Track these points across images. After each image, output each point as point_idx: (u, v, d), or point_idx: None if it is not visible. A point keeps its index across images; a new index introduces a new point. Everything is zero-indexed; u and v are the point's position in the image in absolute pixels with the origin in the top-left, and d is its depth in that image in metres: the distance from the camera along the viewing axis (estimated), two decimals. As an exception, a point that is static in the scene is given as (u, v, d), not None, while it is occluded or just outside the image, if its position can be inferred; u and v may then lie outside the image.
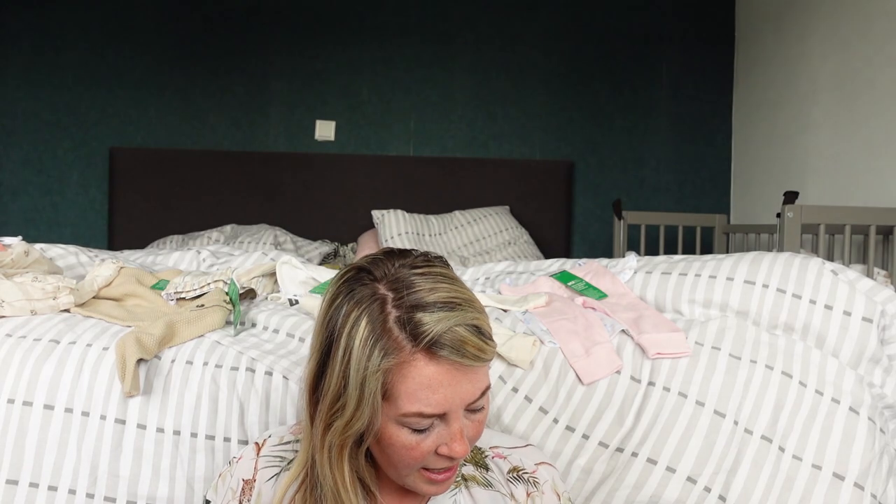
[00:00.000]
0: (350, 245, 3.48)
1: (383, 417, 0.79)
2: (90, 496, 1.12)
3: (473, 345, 0.77)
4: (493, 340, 0.81)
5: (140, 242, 3.37)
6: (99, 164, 3.57)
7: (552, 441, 1.15)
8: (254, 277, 1.47)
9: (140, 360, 1.14)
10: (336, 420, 0.79)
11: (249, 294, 1.46)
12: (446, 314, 0.77)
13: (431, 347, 0.76)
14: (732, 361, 1.19)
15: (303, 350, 1.24)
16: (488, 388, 0.82)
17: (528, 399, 1.17)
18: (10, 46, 3.52)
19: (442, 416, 0.79)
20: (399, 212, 3.39)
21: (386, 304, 0.77)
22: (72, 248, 1.63)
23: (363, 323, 0.77)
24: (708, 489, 1.11)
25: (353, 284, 0.80)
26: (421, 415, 0.77)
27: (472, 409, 0.81)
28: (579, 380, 1.18)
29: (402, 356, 0.76)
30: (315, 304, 1.33)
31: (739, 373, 1.18)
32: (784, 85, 3.32)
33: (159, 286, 1.45)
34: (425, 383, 0.77)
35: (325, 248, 3.33)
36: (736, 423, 1.14)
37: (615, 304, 1.36)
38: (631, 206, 3.71)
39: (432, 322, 0.76)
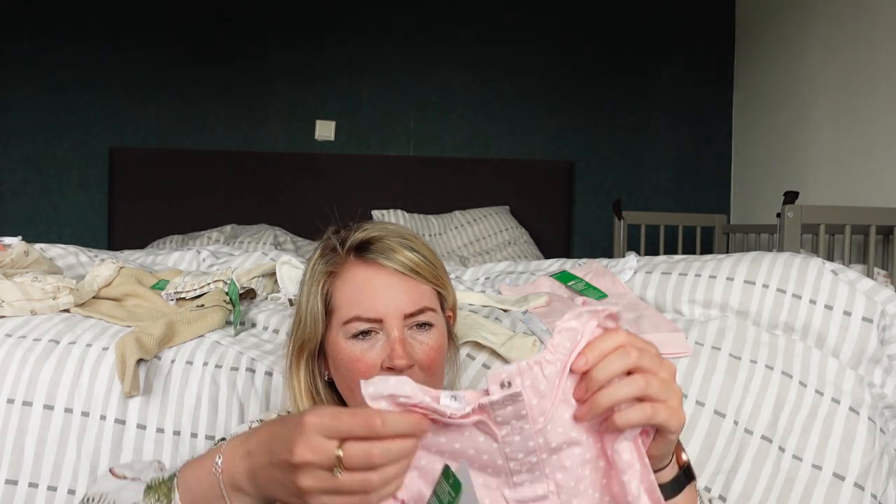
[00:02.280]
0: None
1: (332, 333, 0.87)
2: (90, 496, 1.12)
3: (402, 255, 0.85)
4: (435, 266, 0.88)
5: (140, 242, 3.36)
6: (99, 164, 3.57)
7: (552, 441, 1.14)
8: (254, 277, 1.47)
9: (140, 361, 1.14)
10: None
11: (249, 294, 1.46)
12: (379, 230, 0.88)
13: (360, 251, 0.87)
14: (732, 361, 1.19)
15: (303, 350, 1.24)
16: (432, 310, 0.87)
17: (528, 399, 1.16)
18: (9, 46, 3.51)
19: (381, 326, 0.84)
20: (399, 212, 3.39)
21: (336, 241, 0.90)
22: (72, 248, 1.62)
23: (316, 255, 0.91)
24: (708, 489, 1.11)
25: (321, 244, 0.93)
26: (358, 318, 0.85)
27: (415, 328, 0.86)
28: (579, 380, 1.17)
29: (337, 260, 0.88)
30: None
31: (739, 373, 1.18)
32: (784, 85, 3.32)
33: (159, 286, 1.45)
34: (359, 285, 0.86)
35: (325, 248, 3.33)
36: (736, 423, 1.14)
37: (615, 304, 1.35)
38: (631, 206, 3.71)
39: (362, 232, 0.88)
